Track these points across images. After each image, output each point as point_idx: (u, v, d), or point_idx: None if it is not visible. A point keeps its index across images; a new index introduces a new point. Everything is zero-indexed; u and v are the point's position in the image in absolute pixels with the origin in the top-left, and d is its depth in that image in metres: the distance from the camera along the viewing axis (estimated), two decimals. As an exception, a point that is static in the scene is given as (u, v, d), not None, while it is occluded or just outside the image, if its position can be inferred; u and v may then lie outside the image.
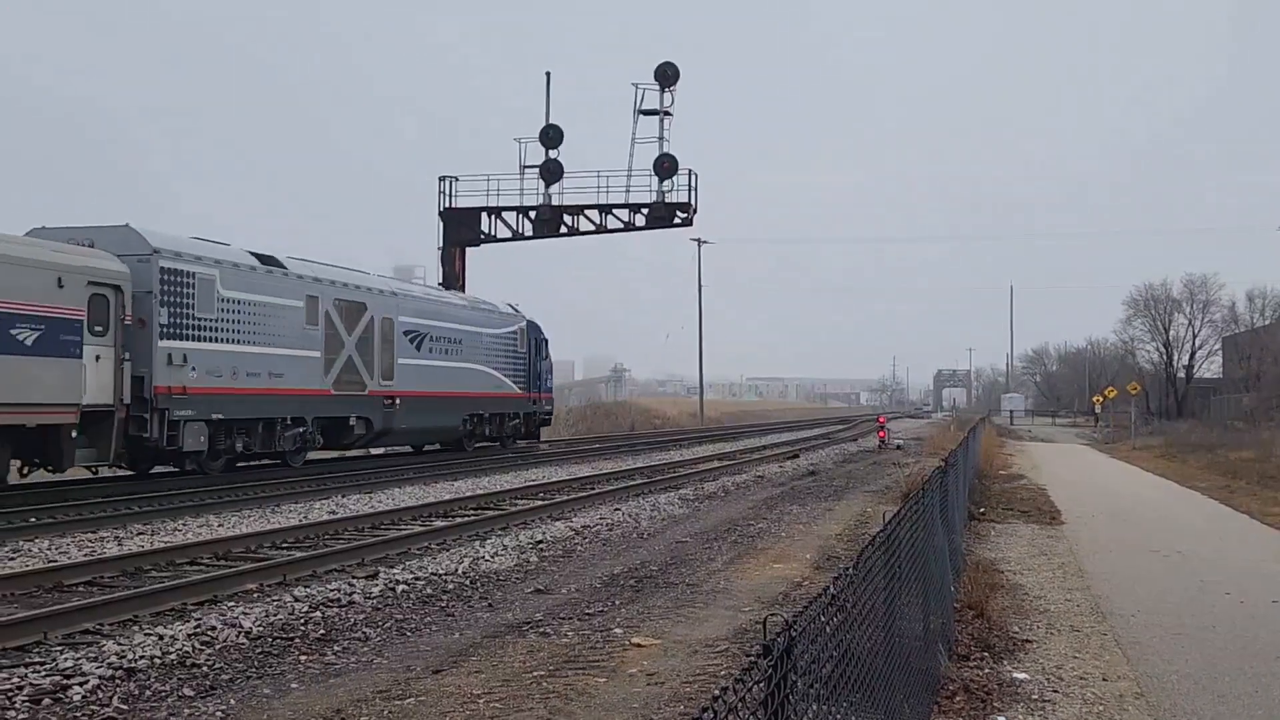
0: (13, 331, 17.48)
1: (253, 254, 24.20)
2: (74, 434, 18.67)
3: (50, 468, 19.24)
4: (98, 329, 19.29)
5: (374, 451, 31.47)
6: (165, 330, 21.04)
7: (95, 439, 19.25)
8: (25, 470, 18.91)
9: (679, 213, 41.82)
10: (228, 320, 22.73)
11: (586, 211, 42.37)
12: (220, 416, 22.43)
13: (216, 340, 22.34)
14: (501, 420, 35.35)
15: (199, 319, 21.89)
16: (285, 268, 25.00)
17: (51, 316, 18.30)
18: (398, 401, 28.60)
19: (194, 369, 21.61)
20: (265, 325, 23.83)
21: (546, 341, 39.00)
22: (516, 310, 37.26)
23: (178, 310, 21.37)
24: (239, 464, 24.59)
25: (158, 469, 22.73)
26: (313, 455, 26.91)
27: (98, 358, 19.23)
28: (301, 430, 25.36)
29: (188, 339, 21.55)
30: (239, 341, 23.01)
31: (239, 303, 23.04)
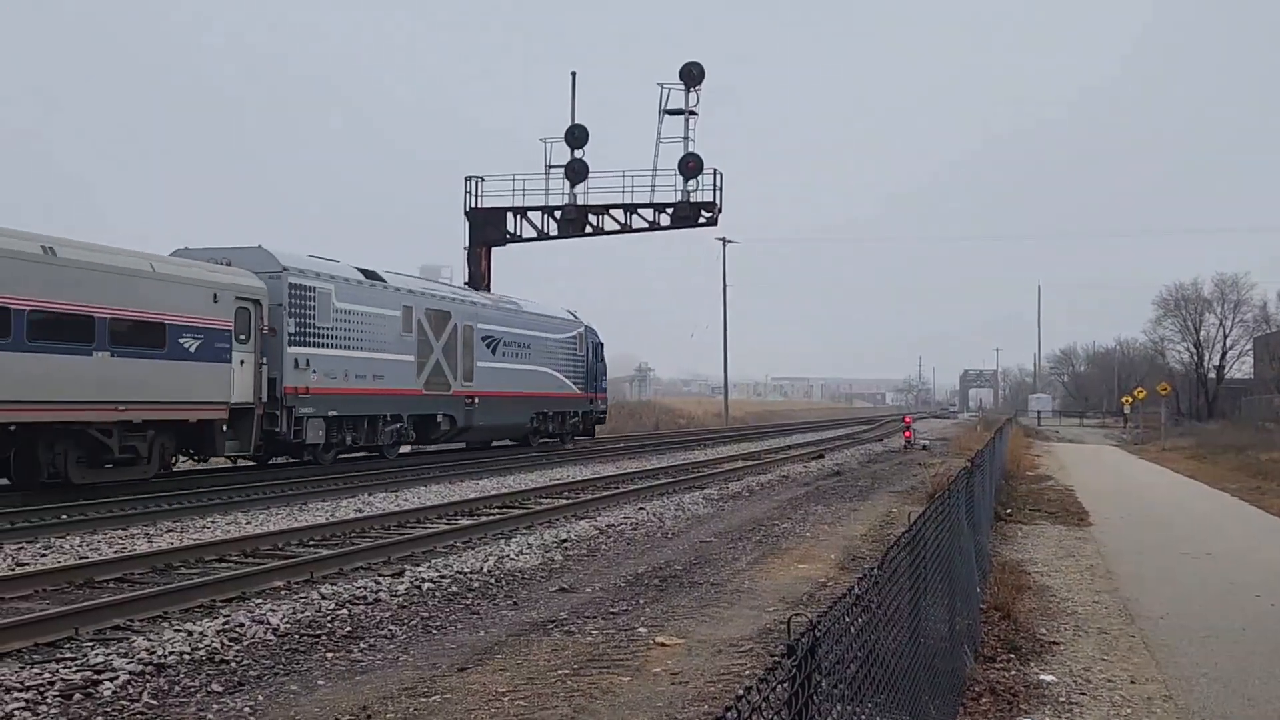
0: (180, 340, 20.56)
1: (359, 269, 27.44)
2: (224, 428, 21.75)
3: (202, 457, 22.97)
4: (242, 337, 22.30)
5: (403, 450, 31.77)
6: (292, 338, 24.16)
7: (239, 433, 22.25)
8: (175, 460, 21.97)
9: (704, 212, 41.78)
10: (340, 328, 25.92)
11: (611, 211, 42.38)
12: (335, 413, 25.49)
13: (332, 346, 25.56)
14: (563, 418, 38.45)
15: (318, 328, 25.10)
16: (385, 281, 28.17)
17: (208, 327, 21.39)
18: (476, 400, 31.71)
19: (315, 371, 24.72)
20: (370, 332, 26.99)
21: (601, 345, 42.20)
22: (575, 316, 40.56)
23: (302, 320, 24.55)
24: (342, 456, 26.93)
25: (184, 467, 23.94)
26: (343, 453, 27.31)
27: (242, 362, 22.27)
28: (398, 426, 28.43)
29: (310, 345, 24.73)
30: (349, 347, 26.23)
31: (349, 313, 26.24)
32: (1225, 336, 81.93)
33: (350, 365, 26.13)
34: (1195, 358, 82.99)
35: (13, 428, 17.56)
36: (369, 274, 27.62)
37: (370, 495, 20.91)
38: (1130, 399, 70.07)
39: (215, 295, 21.53)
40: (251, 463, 25.07)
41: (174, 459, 21.69)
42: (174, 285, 20.67)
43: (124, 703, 7.36)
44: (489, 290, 40.33)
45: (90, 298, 18.73)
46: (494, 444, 36.09)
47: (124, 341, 19.30)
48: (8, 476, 18.96)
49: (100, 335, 18.86)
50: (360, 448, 27.65)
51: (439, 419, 30.25)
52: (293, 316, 24.14)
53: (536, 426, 36.31)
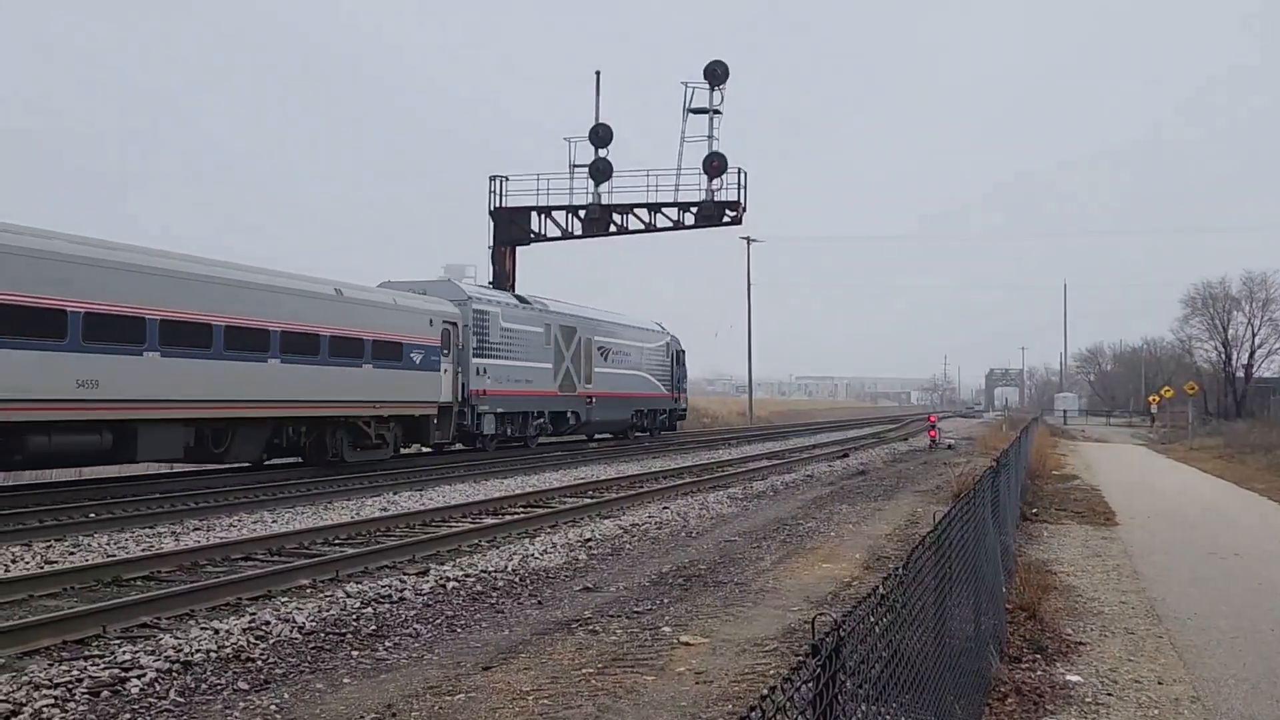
0: (411, 355, 27.71)
1: (514, 295, 35.48)
2: (434, 421, 28.92)
3: (417, 445, 30.04)
4: (445, 352, 29.35)
5: (420, 449, 32.29)
6: (475, 351, 31.25)
7: (443, 425, 29.54)
8: (401, 447, 28.51)
9: (728, 211, 41.69)
10: (504, 344, 32.95)
11: (636, 210, 42.36)
12: (501, 410, 32.67)
13: (499, 358, 32.59)
14: (654, 415, 45.57)
15: (491, 343, 32.19)
16: (530, 303, 35.55)
17: (427, 345, 28.47)
18: (594, 400, 38.73)
19: (489, 378, 31.87)
20: (523, 346, 34.00)
21: (683, 352, 48.70)
22: (662, 328, 47.22)
23: (481, 337, 31.63)
24: (500, 444, 33.33)
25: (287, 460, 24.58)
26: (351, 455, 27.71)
27: (445, 371, 29.34)
28: (541, 420, 35.41)
29: (485, 357, 31.83)
30: (510, 358, 33.21)
31: (510, 331, 33.41)
32: (1254, 335, 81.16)
33: (511, 373, 33.17)
34: (1223, 356, 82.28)
35: (302, 424, 24.74)
36: (520, 299, 35.33)
37: (395, 494, 20.99)
38: (1157, 398, 69.61)
39: (430, 320, 28.73)
40: (430, 449, 31.50)
41: (403, 445, 28.43)
42: (407, 314, 27.81)
43: (151, 700, 7.42)
44: (513, 290, 40.64)
45: (362, 325, 25.90)
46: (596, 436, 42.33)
47: (379, 356, 26.38)
48: (302, 456, 25.40)
49: (367, 353, 25.94)
50: (515, 438, 34.07)
51: (568, 415, 37.19)
52: (475, 335, 31.30)
53: (634, 422, 43.49)
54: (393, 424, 27.37)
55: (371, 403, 26.21)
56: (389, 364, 26.65)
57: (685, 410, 50.40)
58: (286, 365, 23.28)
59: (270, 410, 23.25)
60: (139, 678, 7.81)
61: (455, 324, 30.02)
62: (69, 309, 18.39)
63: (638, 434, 43.77)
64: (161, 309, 20.23)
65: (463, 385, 30.37)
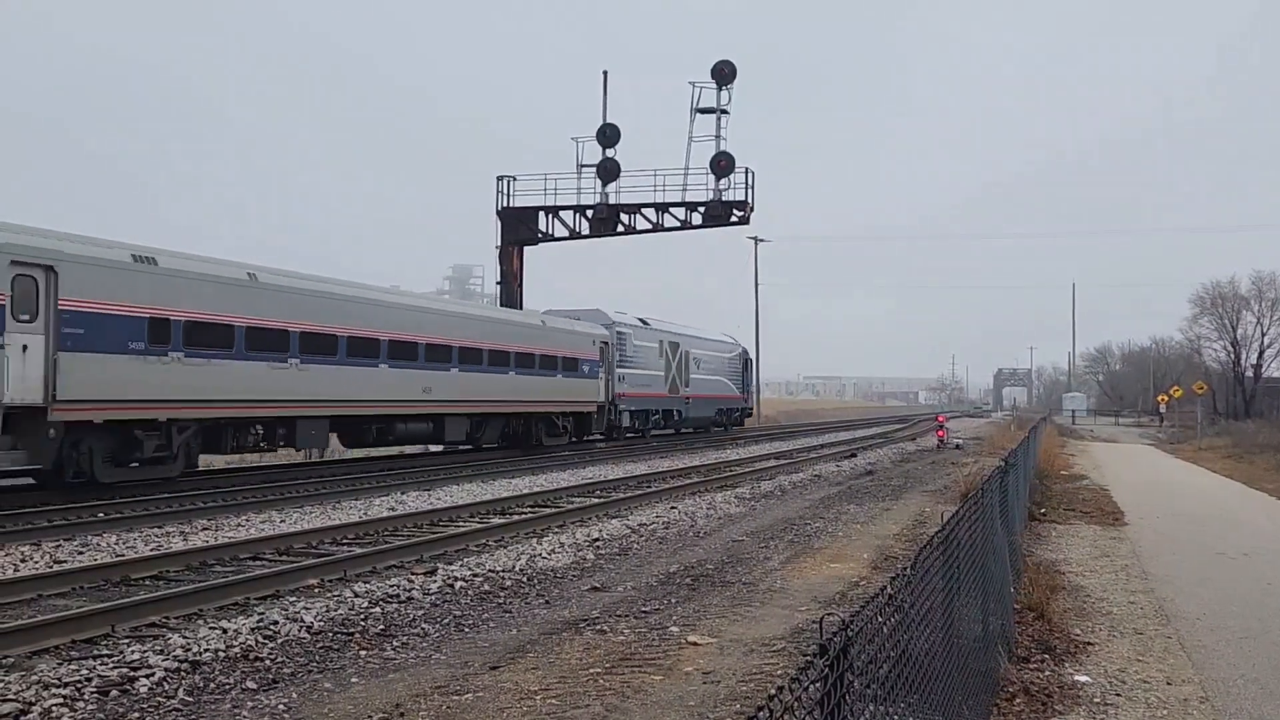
0: (583, 367, 36.94)
1: (638, 318, 44.11)
2: (595, 417, 38.19)
3: (579, 436, 38.66)
4: (601, 364, 38.17)
5: (430, 447, 32.66)
6: (616, 363, 40.18)
7: (599, 421, 38.63)
8: (573, 438, 37.48)
9: (736, 211, 41.73)
10: (634, 357, 42.15)
11: (643, 210, 42.42)
12: (633, 409, 41.83)
13: (632, 368, 41.82)
14: (730, 413, 55.15)
15: (627, 357, 41.33)
16: (649, 325, 44.70)
17: (592, 359, 37.76)
18: (690, 400, 47.96)
19: (626, 383, 40.95)
20: (644, 358, 43.24)
21: (752, 361, 61.03)
22: (735, 340, 57.62)
23: (620, 353, 40.68)
24: (628, 435, 42.30)
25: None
26: (376, 451, 28.82)
27: (601, 378, 38.25)
28: (656, 416, 44.81)
29: (624, 367, 40.95)
30: (638, 368, 42.47)
31: (637, 347, 42.58)
32: (1263, 334, 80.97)
33: (639, 379, 42.34)
34: (1232, 356, 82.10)
35: (522, 418, 34.11)
36: (642, 320, 44.47)
37: (403, 494, 21.01)
38: (1166, 398, 69.45)
39: (593, 340, 37.99)
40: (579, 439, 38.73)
41: (575, 435, 37.54)
42: (581, 336, 37.33)
43: (160, 699, 7.43)
44: (520, 288, 41.09)
45: (557, 346, 35.24)
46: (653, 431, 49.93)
47: (566, 369, 35.75)
48: (515, 445, 33.63)
49: (560, 366, 35.13)
50: (638, 430, 43.10)
51: (674, 412, 46.42)
52: (617, 350, 40.24)
53: (716, 418, 52.72)
54: (571, 417, 36.61)
55: (563, 402, 35.66)
56: (572, 374, 35.79)
57: (751, 410, 61.91)
58: (520, 376, 32.71)
59: (509, 408, 32.70)
60: (148, 677, 7.83)
61: (607, 343, 39.47)
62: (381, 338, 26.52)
63: (716, 429, 52.94)
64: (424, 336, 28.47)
65: (610, 389, 39.38)
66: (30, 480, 19.43)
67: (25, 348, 17.42)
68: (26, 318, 17.48)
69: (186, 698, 7.49)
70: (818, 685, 2.82)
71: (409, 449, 33.67)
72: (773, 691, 2.54)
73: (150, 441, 19.94)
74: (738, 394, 56.10)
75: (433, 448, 34.39)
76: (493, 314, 34.14)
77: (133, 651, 8.48)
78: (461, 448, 33.27)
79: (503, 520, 17.08)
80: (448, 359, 28.99)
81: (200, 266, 21.31)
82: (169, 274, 20.22)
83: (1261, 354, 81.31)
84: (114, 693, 7.51)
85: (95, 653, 8.54)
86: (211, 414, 21.28)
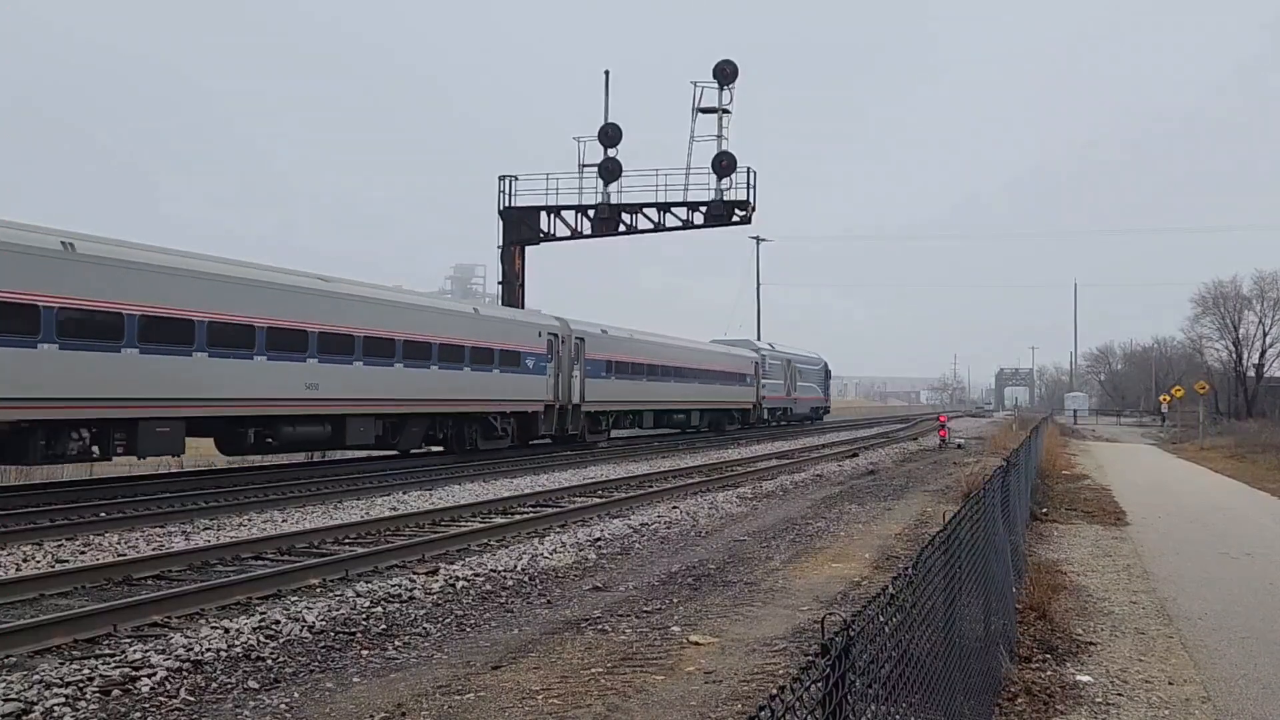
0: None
1: (769, 345, 61.57)
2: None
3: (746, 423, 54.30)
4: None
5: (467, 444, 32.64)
6: (761, 380, 56.36)
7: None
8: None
9: (737, 211, 41.69)
10: (769, 372, 58.73)
11: (645, 210, 42.37)
12: (769, 407, 59.18)
13: (768, 379, 58.24)
14: (817, 411, 73.07)
15: (765, 372, 57.45)
16: (774, 349, 61.75)
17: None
18: (796, 400, 66.11)
19: (765, 390, 57.41)
20: (775, 373, 60.28)
21: (831, 371, 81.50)
22: (820, 356, 75.82)
23: (764, 373, 57.26)
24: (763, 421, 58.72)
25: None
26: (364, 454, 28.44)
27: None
28: (779, 412, 62.25)
29: (764, 379, 57.15)
30: (770, 379, 58.94)
31: (770, 366, 59.15)
32: (1265, 334, 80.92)
33: (772, 388, 59.72)
34: (1234, 356, 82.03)
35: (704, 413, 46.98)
36: (770, 345, 61.96)
37: (405, 494, 21.00)
38: (1168, 398, 69.34)
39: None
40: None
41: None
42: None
43: (161, 699, 7.44)
44: (522, 288, 41.21)
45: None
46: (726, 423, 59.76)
47: (728, 381, 49.67)
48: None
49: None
50: (770, 423, 60.31)
51: (788, 410, 64.28)
52: (760, 368, 56.92)
53: (810, 414, 70.49)
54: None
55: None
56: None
57: (830, 407, 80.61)
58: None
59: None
60: (149, 676, 7.83)
61: (756, 363, 56.19)
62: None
63: (808, 420, 69.86)
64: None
65: (758, 394, 56.09)
66: None
67: None
68: None
69: (188, 697, 7.50)
70: (819, 685, 2.82)
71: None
72: (774, 691, 2.53)
73: None
74: (823, 396, 75.60)
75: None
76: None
77: (135, 651, 8.48)
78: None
79: (504, 520, 17.09)
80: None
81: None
82: None
83: (1263, 353, 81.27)
84: (116, 692, 7.51)
85: (97, 652, 8.54)
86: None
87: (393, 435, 27.56)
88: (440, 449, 30.73)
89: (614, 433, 41.49)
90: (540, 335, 33.75)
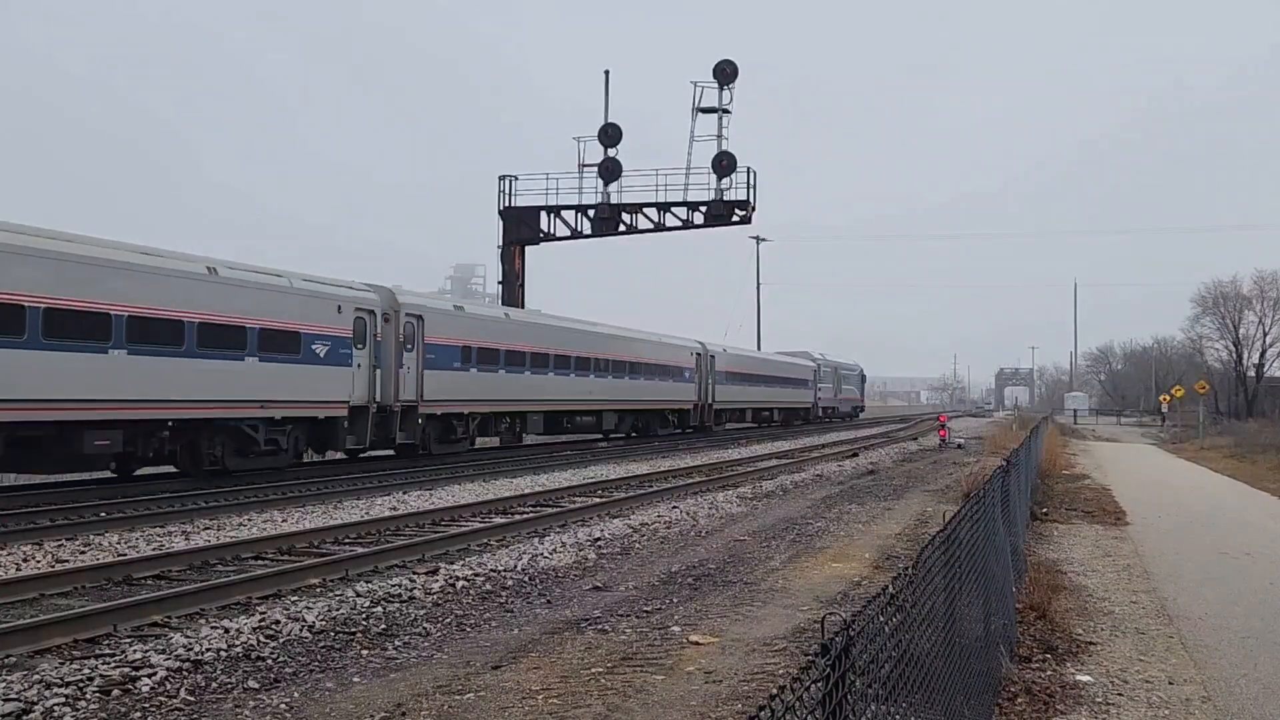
0: (805, 383, 67.39)
1: (823, 355, 74.59)
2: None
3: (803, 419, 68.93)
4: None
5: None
6: (817, 385, 70.74)
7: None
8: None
9: (737, 210, 41.75)
10: (821, 379, 71.80)
11: (645, 210, 42.42)
12: (824, 406, 72.38)
13: (823, 384, 72.51)
14: (855, 410, 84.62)
15: (820, 377, 71.43)
16: (825, 356, 74.69)
17: (807, 379, 66.78)
18: (842, 401, 77.85)
19: (821, 394, 71.35)
20: (827, 378, 73.50)
21: (866, 375, 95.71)
22: (858, 364, 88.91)
23: (819, 378, 70.99)
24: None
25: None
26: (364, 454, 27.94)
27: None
28: (830, 409, 74.46)
29: (820, 383, 71.07)
30: (824, 384, 72.81)
31: (822, 372, 72.29)
32: (1265, 334, 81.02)
33: (825, 389, 71.93)
34: (1234, 356, 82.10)
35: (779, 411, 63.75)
36: (822, 354, 73.75)
37: (405, 494, 21.00)
38: (1168, 397, 69.36)
39: (810, 370, 67.44)
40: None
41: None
42: (804, 368, 66.83)
43: (162, 699, 7.43)
44: (522, 288, 41.33)
45: (785, 372, 63.32)
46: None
47: (788, 384, 64.16)
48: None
49: (792, 382, 63.33)
50: (825, 417, 71.98)
51: (834, 409, 74.69)
52: (817, 375, 69.66)
53: (849, 412, 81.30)
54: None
55: (788, 402, 54.45)
56: (800, 388, 48.36)
57: (865, 406, 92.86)
58: (783, 389, 51.96)
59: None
60: (149, 676, 7.83)
61: (814, 370, 69.18)
62: None
63: (849, 417, 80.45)
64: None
65: (815, 396, 68.87)
66: None
67: None
68: None
69: (188, 697, 7.49)
70: (819, 685, 2.82)
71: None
72: (774, 691, 2.53)
73: None
74: (859, 397, 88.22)
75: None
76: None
77: (135, 651, 8.48)
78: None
79: (504, 520, 17.09)
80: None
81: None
82: None
83: (1264, 353, 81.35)
84: (116, 692, 7.51)
85: (97, 652, 8.54)
86: None
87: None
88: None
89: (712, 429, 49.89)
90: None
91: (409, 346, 27.36)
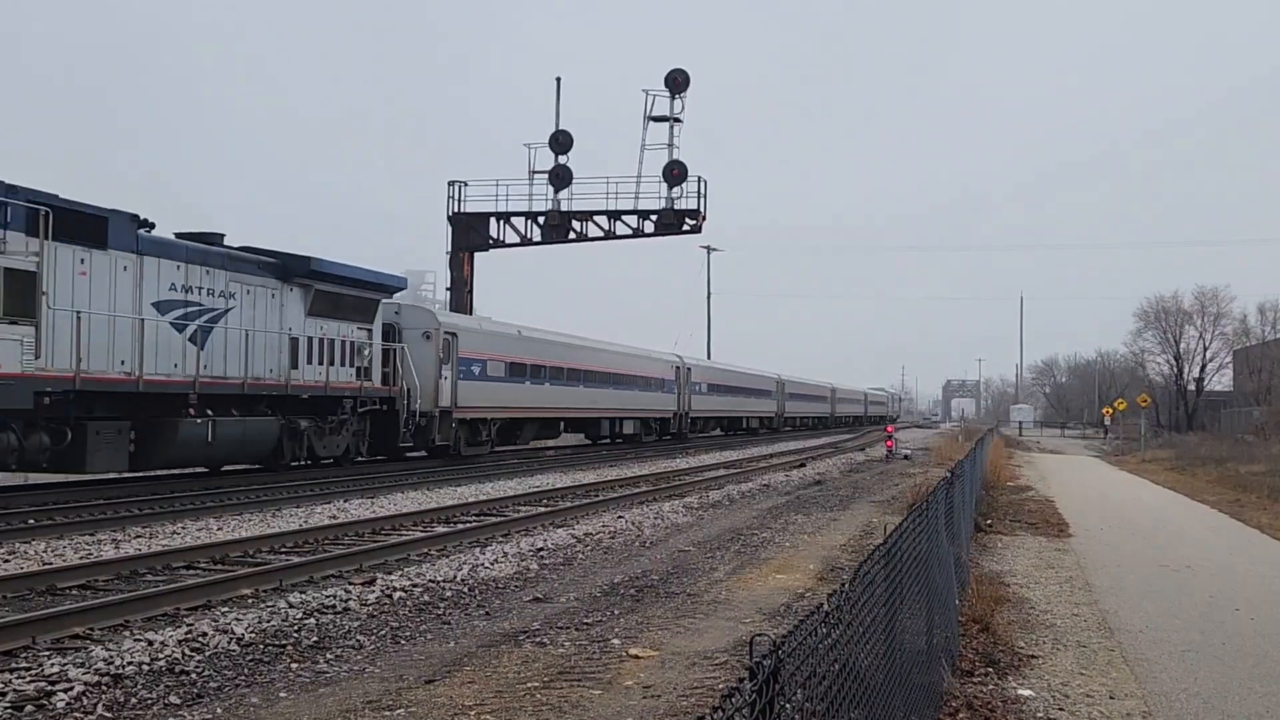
0: (855, 402, 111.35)
1: (858, 389, 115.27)
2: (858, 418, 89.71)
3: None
4: (772, 393, 70.27)
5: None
6: (883, 405, 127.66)
7: (764, 425, 71.16)
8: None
9: (688, 219, 41.75)
10: (870, 402, 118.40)
11: (595, 217, 42.31)
12: (799, 415, 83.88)
13: (873, 403, 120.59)
14: (860, 419, 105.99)
15: (872, 393, 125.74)
16: (871, 389, 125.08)
17: (767, 392, 71.58)
18: (868, 410, 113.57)
19: (869, 410, 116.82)
20: (875, 399, 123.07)
21: (838, 391, 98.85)
22: (831, 384, 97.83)
23: (883, 405, 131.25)
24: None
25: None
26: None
27: (865, 407, 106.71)
28: (808, 419, 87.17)
29: (872, 405, 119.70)
30: (874, 402, 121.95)
31: (865, 401, 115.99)
32: (1205, 349, 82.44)
33: (873, 408, 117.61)
34: (1175, 370, 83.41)
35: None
36: (874, 389, 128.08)
37: (346, 501, 20.66)
38: (1111, 410, 70.32)
39: (865, 396, 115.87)
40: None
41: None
42: (857, 391, 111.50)
43: (77, 715, 7.14)
44: (470, 295, 41.18)
45: (860, 400, 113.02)
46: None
47: (845, 401, 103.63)
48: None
49: (840, 403, 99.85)
50: (798, 426, 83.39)
51: (862, 416, 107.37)
52: (870, 398, 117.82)
53: (858, 418, 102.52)
54: (851, 420, 79.13)
55: (745, 412, 59.41)
56: (758, 398, 54.91)
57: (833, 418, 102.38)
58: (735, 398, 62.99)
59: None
60: (66, 691, 7.52)
61: (865, 395, 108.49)
62: None
63: (818, 427, 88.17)
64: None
65: (865, 410, 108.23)
66: None
67: None
68: None
69: (105, 713, 7.21)
70: (744, 713, 2.66)
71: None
72: (698, 717, 2.37)
73: None
74: (829, 412, 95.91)
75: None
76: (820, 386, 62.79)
77: (52, 664, 8.16)
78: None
79: (446, 529, 16.84)
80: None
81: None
82: None
83: (1204, 368, 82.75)
84: (29, 708, 7.21)
85: (13, 665, 8.22)
86: None
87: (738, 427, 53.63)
88: None
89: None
90: (868, 398, 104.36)
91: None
